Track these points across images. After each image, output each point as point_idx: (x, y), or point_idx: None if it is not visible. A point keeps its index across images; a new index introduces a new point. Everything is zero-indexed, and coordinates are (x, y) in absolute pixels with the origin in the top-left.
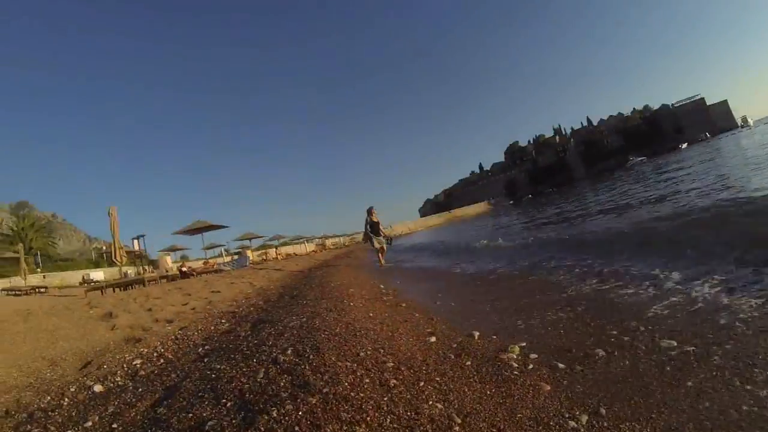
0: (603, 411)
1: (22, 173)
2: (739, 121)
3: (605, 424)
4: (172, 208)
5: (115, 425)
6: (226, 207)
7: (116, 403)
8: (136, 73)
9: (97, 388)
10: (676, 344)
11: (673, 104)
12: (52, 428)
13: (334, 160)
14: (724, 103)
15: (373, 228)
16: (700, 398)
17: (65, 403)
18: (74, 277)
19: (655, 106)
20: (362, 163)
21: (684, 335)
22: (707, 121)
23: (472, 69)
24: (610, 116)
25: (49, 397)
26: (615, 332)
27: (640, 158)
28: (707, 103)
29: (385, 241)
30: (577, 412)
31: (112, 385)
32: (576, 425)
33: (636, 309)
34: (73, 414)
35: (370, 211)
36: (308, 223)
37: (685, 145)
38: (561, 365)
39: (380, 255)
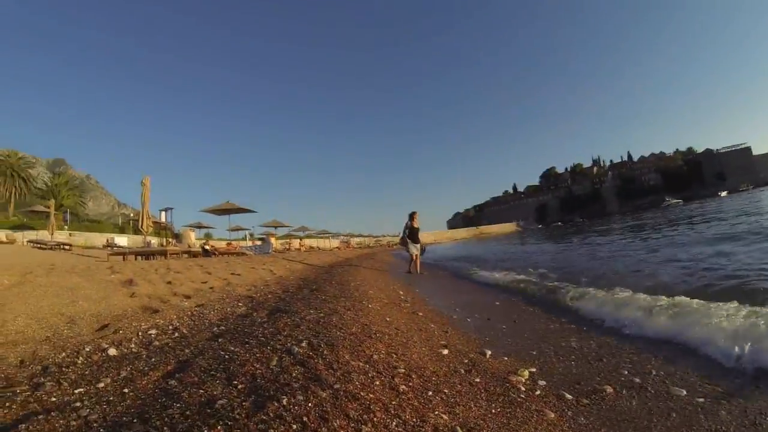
0: None
1: (65, 131)
2: None
3: None
4: (203, 185)
5: (126, 390)
6: (257, 190)
7: (129, 368)
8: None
9: (112, 351)
10: (685, 393)
11: (717, 150)
12: (65, 384)
13: (368, 163)
14: None
15: (411, 233)
16: None
17: (80, 362)
18: (99, 239)
19: (698, 149)
20: (396, 167)
21: (695, 386)
22: (751, 171)
23: (518, 89)
24: (652, 153)
25: (64, 354)
26: (626, 372)
27: (676, 200)
28: (753, 153)
29: (418, 249)
30: None
31: (126, 350)
32: None
33: (653, 354)
34: (87, 373)
35: (412, 216)
36: (335, 219)
37: (724, 193)
38: (568, 396)
39: (414, 262)
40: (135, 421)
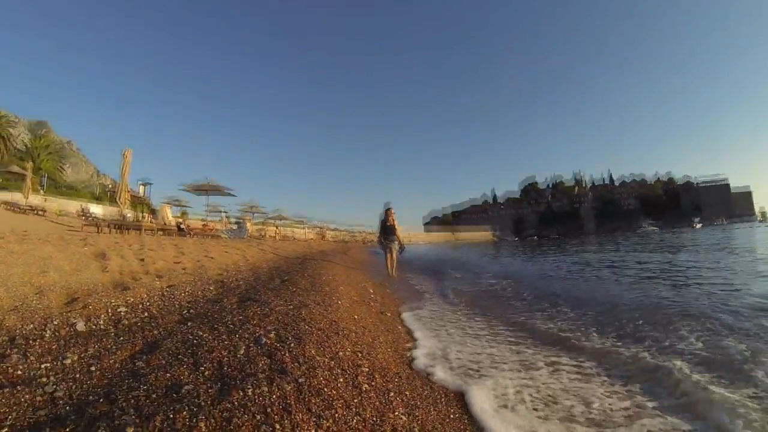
0: None
1: (49, 94)
2: (758, 214)
3: None
4: (184, 161)
5: (93, 367)
6: (237, 171)
7: (96, 346)
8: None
9: (80, 326)
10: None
11: (697, 183)
12: (32, 357)
13: (351, 153)
14: (748, 192)
15: (386, 231)
16: None
17: (47, 335)
18: (73, 205)
19: (678, 176)
20: (375, 159)
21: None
22: (727, 206)
23: (506, 94)
24: (633, 179)
25: (32, 325)
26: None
27: (652, 227)
28: (730, 188)
29: (397, 247)
30: None
31: (94, 327)
32: None
33: None
34: (54, 347)
35: (387, 212)
36: (311, 206)
37: (699, 225)
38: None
39: (390, 261)
40: (101, 400)
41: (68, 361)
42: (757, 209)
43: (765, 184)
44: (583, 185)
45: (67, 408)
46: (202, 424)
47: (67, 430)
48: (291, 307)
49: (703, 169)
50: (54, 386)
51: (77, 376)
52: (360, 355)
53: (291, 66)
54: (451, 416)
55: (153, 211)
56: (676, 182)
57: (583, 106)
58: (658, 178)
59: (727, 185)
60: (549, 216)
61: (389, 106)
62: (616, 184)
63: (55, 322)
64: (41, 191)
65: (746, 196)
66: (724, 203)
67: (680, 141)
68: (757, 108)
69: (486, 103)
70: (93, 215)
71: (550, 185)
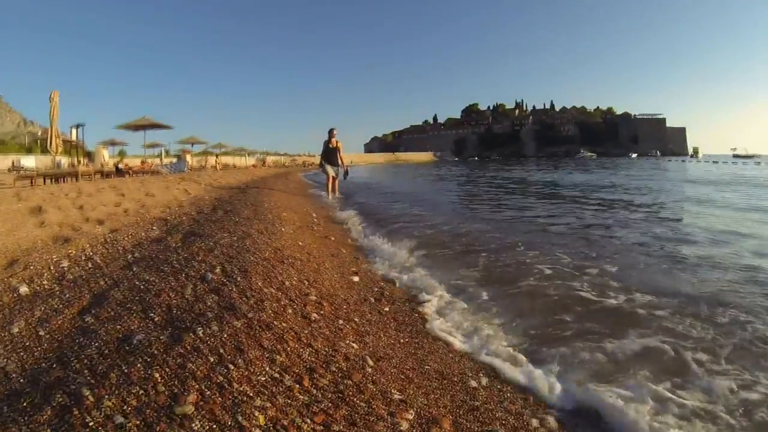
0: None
1: None
2: (690, 150)
3: (503, 388)
4: (116, 100)
5: (42, 332)
6: (174, 105)
7: (43, 308)
8: None
9: (23, 290)
10: None
11: (635, 115)
12: None
13: (291, 72)
14: (682, 130)
15: (328, 154)
16: None
17: None
18: (3, 161)
19: (618, 110)
20: (317, 81)
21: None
22: (662, 140)
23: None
24: (573, 107)
25: None
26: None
27: (590, 154)
28: (667, 125)
29: (340, 171)
30: (481, 374)
31: (38, 287)
32: (476, 385)
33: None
34: None
35: (330, 133)
36: (254, 136)
37: (634, 156)
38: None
39: (331, 185)
40: (54, 366)
41: (16, 330)
42: (690, 146)
43: (697, 127)
44: (524, 109)
45: (21, 381)
46: (157, 375)
47: (25, 404)
48: (235, 238)
49: (641, 108)
50: (5, 360)
51: (27, 344)
52: (307, 283)
53: None
54: (402, 341)
55: (89, 155)
56: (615, 113)
57: (530, 36)
58: (598, 107)
59: (664, 119)
60: (489, 138)
61: (331, 37)
62: (557, 110)
63: None
64: None
65: (680, 132)
66: (659, 137)
67: (622, 80)
68: (698, 53)
69: (430, 25)
70: (25, 168)
71: (491, 107)
